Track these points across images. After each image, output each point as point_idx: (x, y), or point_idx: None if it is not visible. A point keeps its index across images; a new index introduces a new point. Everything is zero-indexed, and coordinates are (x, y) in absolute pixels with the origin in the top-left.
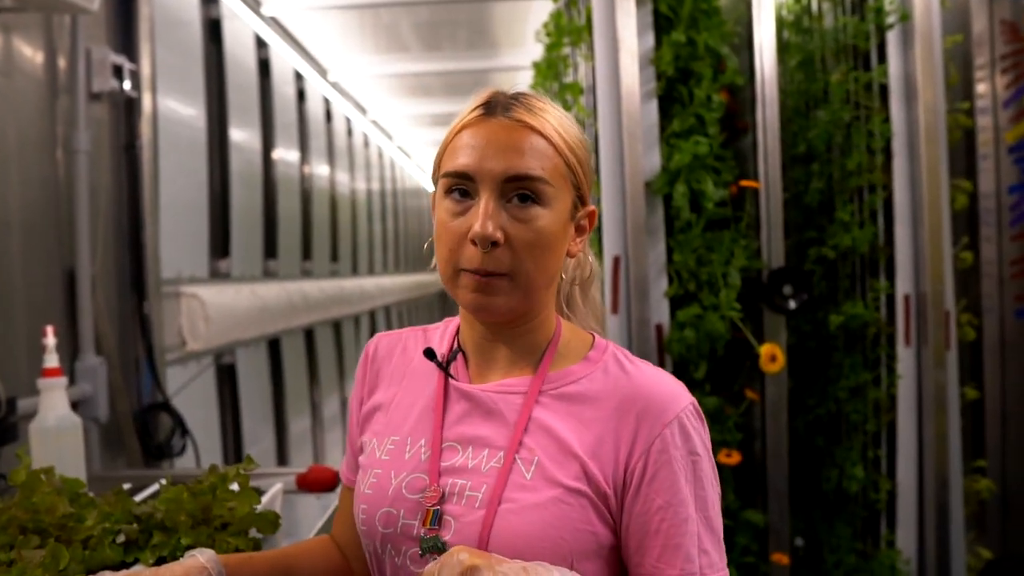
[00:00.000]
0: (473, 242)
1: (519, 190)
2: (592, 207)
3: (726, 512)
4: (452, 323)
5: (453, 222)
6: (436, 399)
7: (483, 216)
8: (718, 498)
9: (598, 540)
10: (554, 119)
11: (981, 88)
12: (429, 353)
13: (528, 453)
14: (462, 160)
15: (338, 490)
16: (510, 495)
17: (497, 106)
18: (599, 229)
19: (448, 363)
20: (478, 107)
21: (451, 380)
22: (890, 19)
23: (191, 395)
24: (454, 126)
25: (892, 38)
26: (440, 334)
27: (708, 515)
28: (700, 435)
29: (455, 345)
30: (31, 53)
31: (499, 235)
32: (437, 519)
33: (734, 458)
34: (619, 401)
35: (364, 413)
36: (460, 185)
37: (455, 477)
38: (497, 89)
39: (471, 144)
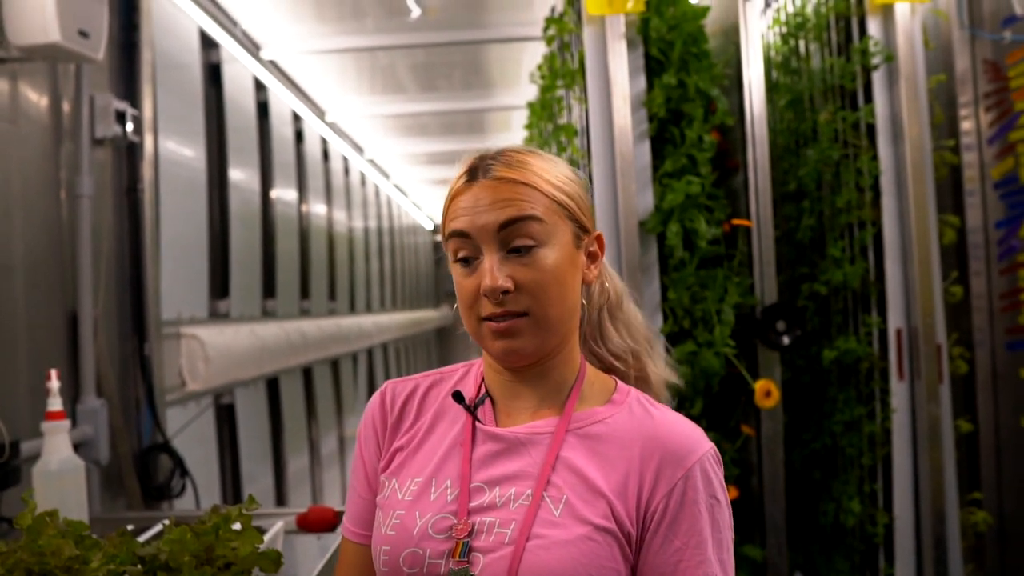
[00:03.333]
0: (487, 296)
1: (517, 236)
2: (598, 232)
3: None
4: (475, 366)
5: (466, 282)
6: (464, 439)
7: (489, 271)
8: (732, 542)
9: None
10: (535, 166)
11: (966, 126)
12: (458, 396)
13: (556, 491)
14: (458, 223)
15: (339, 530)
16: (539, 531)
17: (478, 170)
18: None
19: (476, 406)
20: (462, 175)
21: (478, 423)
22: (875, 60)
23: (190, 435)
24: (447, 197)
25: (878, 78)
26: (462, 376)
27: (723, 559)
28: (719, 480)
29: (482, 389)
30: (36, 99)
31: (508, 283)
32: (467, 552)
33: (731, 493)
34: (643, 443)
35: (383, 462)
36: (463, 247)
37: (483, 515)
38: (479, 153)
39: (464, 207)
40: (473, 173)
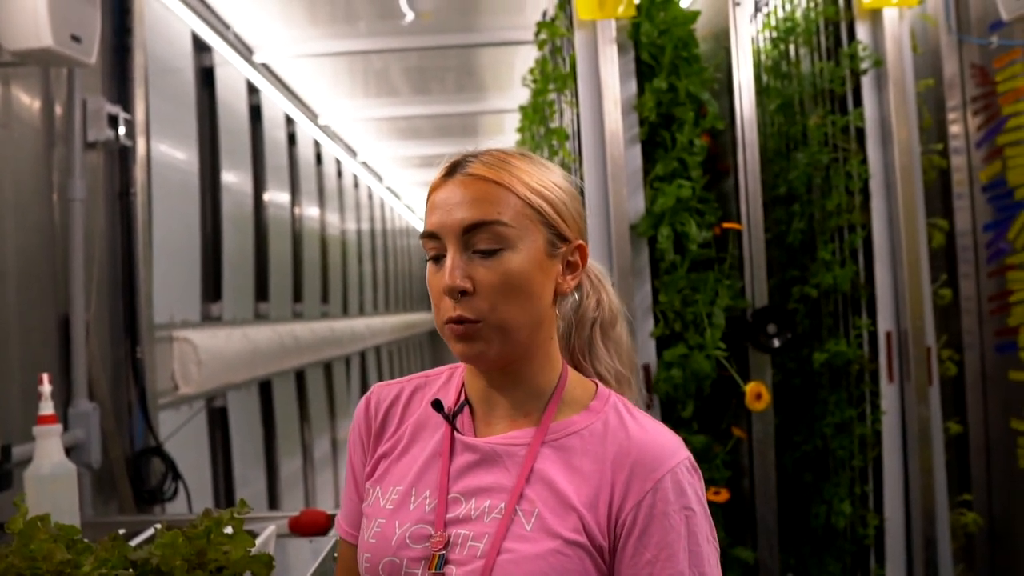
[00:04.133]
0: (448, 295)
1: (482, 238)
2: (579, 242)
3: None
4: (458, 370)
5: (433, 280)
6: (443, 451)
7: (449, 269)
8: (716, 553)
9: None
10: (516, 168)
11: (954, 129)
12: (437, 405)
13: (529, 504)
14: (429, 221)
15: (331, 533)
16: (510, 545)
17: (457, 166)
18: None
19: (454, 416)
20: (442, 170)
21: (456, 433)
22: (864, 64)
23: (183, 439)
24: (428, 191)
25: (867, 82)
26: (445, 381)
27: (704, 571)
28: (695, 490)
29: (461, 396)
30: (29, 103)
31: (466, 284)
32: (442, 565)
33: (722, 496)
34: (615, 454)
35: (369, 467)
36: (433, 246)
37: (459, 527)
38: (466, 151)
39: (435, 205)
40: (452, 169)
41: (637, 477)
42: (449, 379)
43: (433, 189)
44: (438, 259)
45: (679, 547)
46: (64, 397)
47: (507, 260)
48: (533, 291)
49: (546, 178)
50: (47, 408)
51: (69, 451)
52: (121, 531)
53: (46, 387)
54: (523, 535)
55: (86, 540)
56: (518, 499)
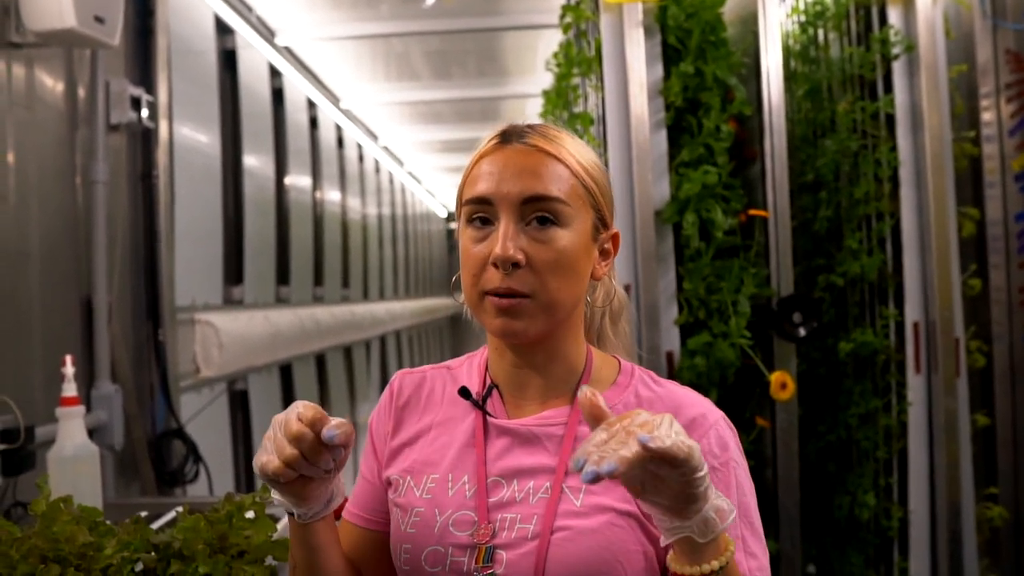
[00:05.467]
0: (495, 265)
1: (538, 212)
2: (616, 230)
3: None
4: (476, 357)
5: (475, 247)
6: (476, 436)
7: (503, 238)
8: (755, 501)
9: (648, 559)
10: (570, 144)
11: (987, 116)
12: (464, 392)
13: (575, 481)
14: (481, 187)
15: None
16: (563, 523)
17: (512, 135)
18: None
19: (484, 400)
20: (495, 137)
21: (489, 417)
22: (896, 50)
23: (204, 421)
24: (473, 157)
25: (898, 68)
26: (467, 369)
27: (751, 520)
28: (736, 443)
29: (486, 380)
30: (52, 85)
31: (520, 256)
32: (490, 556)
33: None
34: None
35: (390, 451)
36: (480, 212)
37: (503, 512)
38: (513, 122)
39: (489, 171)
40: (507, 136)
41: None
42: (471, 366)
43: (483, 155)
44: (485, 222)
45: (730, 497)
46: (87, 379)
47: (560, 237)
48: (580, 272)
49: (592, 158)
50: (70, 390)
51: (92, 433)
52: (143, 513)
53: (69, 369)
54: (575, 511)
55: (108, 522)
56: (564, 477)
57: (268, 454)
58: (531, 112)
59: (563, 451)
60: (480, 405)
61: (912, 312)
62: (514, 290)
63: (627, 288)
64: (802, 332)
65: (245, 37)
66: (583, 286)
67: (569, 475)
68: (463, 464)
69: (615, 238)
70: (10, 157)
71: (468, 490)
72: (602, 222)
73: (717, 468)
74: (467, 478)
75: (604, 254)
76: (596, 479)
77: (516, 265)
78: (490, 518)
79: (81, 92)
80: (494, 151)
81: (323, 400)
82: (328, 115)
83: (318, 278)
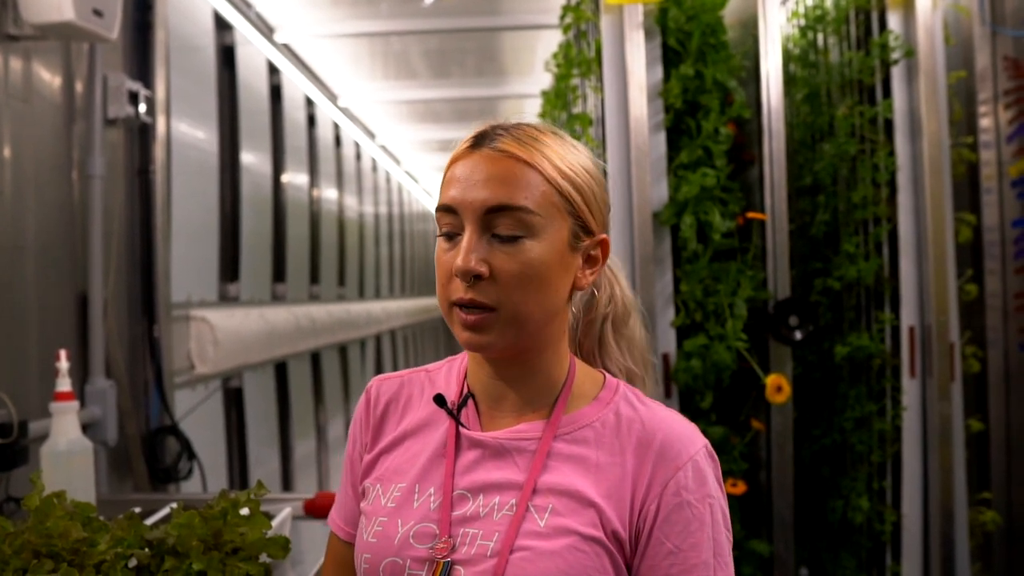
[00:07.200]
0: (458, 276)
1: (503, 222)
2: (603, 236)
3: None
4: (457, 362)
5: (444, 257)
6: (448, 446)
7: (464, 250)
8: (730, 538)
9: None
10: (549, 148)
11: (985, 123)
12: (439, 400)
13: (542, 500)
14: (447, 195)
15: None
16: (523, 543)
17: (485, 138)
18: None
19: (459, 409)
20: (468, 140)
21: (461, 428)
22: (895, 55)
23: (198, 418)
24: (448, 159)
25: (897, 73)
26: (445, 375)
27: (725, 560)
28: (716, 476)
29: (464, 389)
30: (49, 79)
31: (482, 268)
32: (447, 572)
33: (739, 488)
34: (634, 444)
35: (366, 462)
36: (448, 221)
37: (466, 527)
38: (495, 121)
39: (457, 177)
40: (479, 140)
41: (660, 466)
42: (449, 371)
43: (455, 159)
44: (452, 236)
45: (703, 536)
46: (81, 374)
47: (528, 249)
48: (551, 284)
49: (576, 162)
50: (64, 385)
51: (85, 428)
52: (136, 509)
53: (63, 364)
54: (537, 532)
55: (102, 518)
56: (531, 495)
57: None
58: (530, 112)
59: (533, 467)
60: (454, 415)
61: (908, 316)
62: (477, 302)
63: None
64: (798, 335)
65: (244, 33)
66: (558, 297)
67: (536, 493)
68: (431, 475)
69: (603, 244)
70: (6, 151)
71: (433, 502)
72: (584, 229)
73: (692, 504)
74: (433, 490)
75: (591, 261)
76: None
77: (478, 277)
78: (452, 532)
79: (79, 86)
80: (465, 156)
81: (318, 399)
82: (326, 113)
83: (314, 276)
